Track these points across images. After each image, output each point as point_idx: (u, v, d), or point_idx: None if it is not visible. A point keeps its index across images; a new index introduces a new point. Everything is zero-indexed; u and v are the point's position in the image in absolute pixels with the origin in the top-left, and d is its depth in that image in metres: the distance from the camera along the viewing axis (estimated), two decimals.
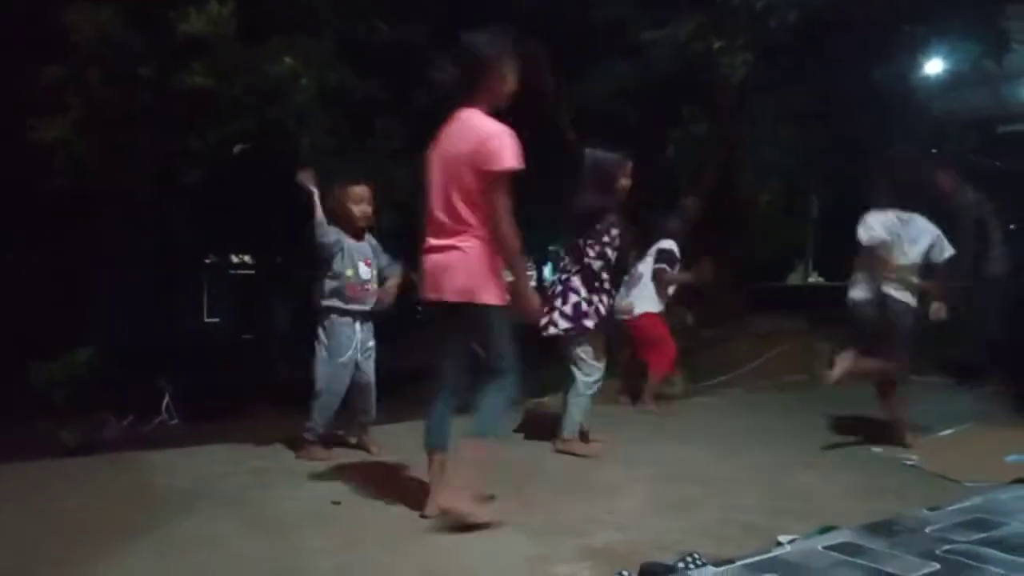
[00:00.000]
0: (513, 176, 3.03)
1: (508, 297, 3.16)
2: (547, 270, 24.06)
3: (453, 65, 3.26)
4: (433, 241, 3.19)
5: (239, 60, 5.80)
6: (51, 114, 5.92)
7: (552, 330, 4.46)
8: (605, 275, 4.45)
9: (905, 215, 4.52)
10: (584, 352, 4.47)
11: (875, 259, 4.46)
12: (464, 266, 3.10)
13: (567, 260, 4.59)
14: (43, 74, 5.88)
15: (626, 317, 5.74)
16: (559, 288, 4.54)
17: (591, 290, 4.42)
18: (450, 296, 3.12)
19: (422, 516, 3.21)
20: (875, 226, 4.49)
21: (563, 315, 4.43)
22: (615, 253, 4.47)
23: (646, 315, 5.77)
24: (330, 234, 4.22)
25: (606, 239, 4.43)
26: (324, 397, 4.25)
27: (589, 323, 4.39)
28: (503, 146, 3.03)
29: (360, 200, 4.32)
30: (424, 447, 3.28)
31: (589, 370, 4.49)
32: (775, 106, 7.86)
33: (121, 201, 7.41)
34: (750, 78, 6.72)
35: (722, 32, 6.53)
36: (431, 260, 3.20)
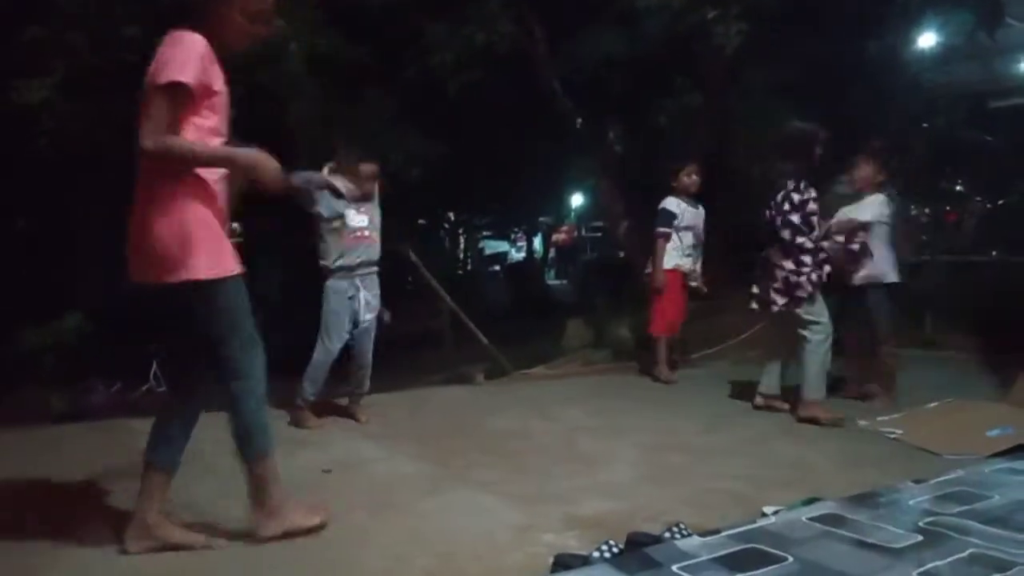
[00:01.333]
0: (178, 93, 2.33)
1: (227, 261, 2.49)
2: (537, 241, 24.08)
3: None
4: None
5: None
6: (35, 76, 5.82)
7: (773, 308, 4.51)
8: (800, 240, 4.44)
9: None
10: (808, 314, 4.47)
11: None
12: (143, 236, 2.44)
13: (764, 234, 4.64)
14: (25, 35, 5.77)
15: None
16: (763, 264, 4.59)
17: (796, 262, 4.43)
18: (138, 277, 2.50)
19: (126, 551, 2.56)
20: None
21: (776, 291, 4.49)
22: (802, 217, 4.44)
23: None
24: (333, 204, 4.24)
25: (787, 207, 4.47)
26: (318, 361, 4.28)
27: (803, 293, 4.43)
28: (168, 56, 2.35)
29: (370, 177, 4.36)
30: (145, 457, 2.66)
31: (816, 329, 4.49)
32: (767, 78, 7.82)
33: (108, 166, 7.32)
34: (743, 49, 6.68)
35: (716, 1, 6.47)
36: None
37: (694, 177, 5.76)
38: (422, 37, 6.80)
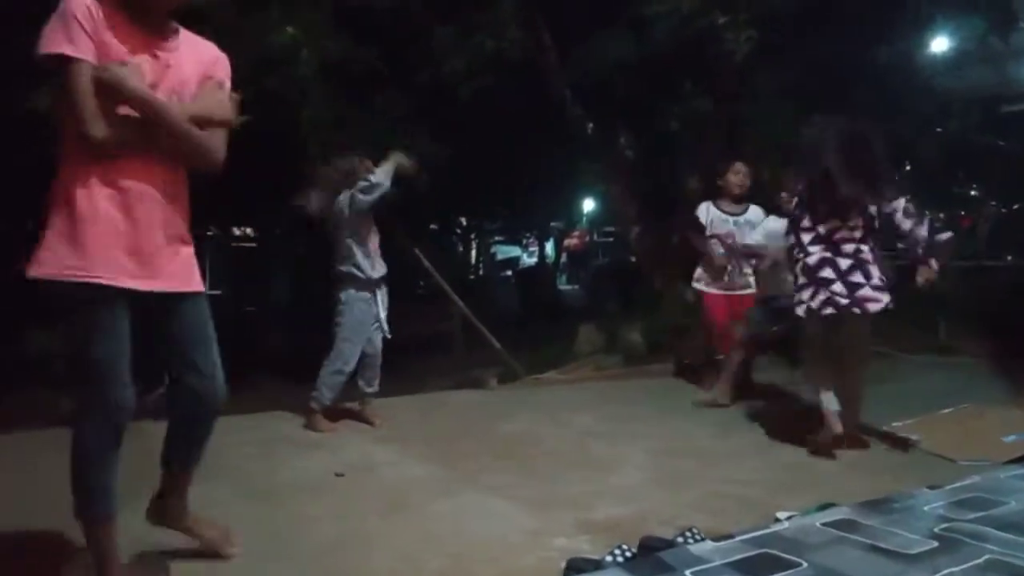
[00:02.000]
0: (57, 64, 2.03)
1: (71, 260, 2.06)
2: (549, 246, 24.06)
3: None
4: None
5: (238, 29, 5.74)
6: (47, 83, 5.86)
7: (877, 307, 3.99)
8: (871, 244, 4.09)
9: None
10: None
11: None
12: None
13: (838, 237, 4.05)
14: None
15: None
16: (851, 264, 4.00)
17: (879, 262, 4.09)
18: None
19: None
20: None
21: (879, 289, 4.00)
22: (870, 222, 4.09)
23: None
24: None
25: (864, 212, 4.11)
26: (338, 370, 4.28)
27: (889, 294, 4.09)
28: (48, 27, 2.07)
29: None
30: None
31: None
32: (777, 82, 7.80)
33: None
34: (752, 54, 6.67)
35: (726, 7, 6.46)
36: None
37: (739, 176, 5.33)
38: (431, 40, 6.82)
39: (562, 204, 18.81)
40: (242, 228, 16.20)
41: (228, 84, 2.39)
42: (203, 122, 2.22)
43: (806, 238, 4.07)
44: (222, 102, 2.30)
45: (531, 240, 24.90)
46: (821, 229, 4.04)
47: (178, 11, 2.24)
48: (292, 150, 6.16)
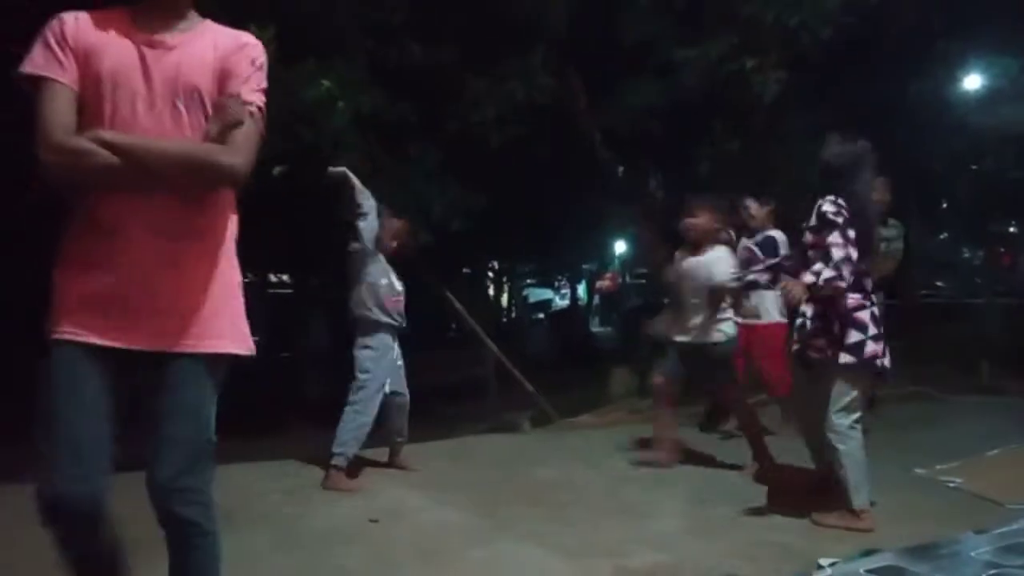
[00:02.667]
0: (31, 86, 1.80)
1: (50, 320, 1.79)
2: (581, 288, 24.08)
3: None
4: None
5: (278, 84, 5.91)
6: None
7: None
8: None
9: None
10: None
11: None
12: None
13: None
14: None
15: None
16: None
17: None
18: None
19: None
20: None
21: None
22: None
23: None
24: (371, 197, 4.30)
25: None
26: (364, 423, 4.19)
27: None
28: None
29: (400, 234, 4.50)
30: None
31: None
32: (807, 122, 7.83)
33: None
34: (782, 95, 6.71)
35: (754, 50, 6.53)
36: None
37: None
38: (464, 92, 6.96)
39: (594, 246, 18.88)
40: (278, 275, 16.45)
41: (255, 77, 2.02)
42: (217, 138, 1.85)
43: (847, 271, 3.40)
44: (234, 112, 1.90)
45: (563, 283, 24.94)
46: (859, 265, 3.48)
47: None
48: (327, 200, 6.29)
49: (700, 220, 4.54)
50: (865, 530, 3.28)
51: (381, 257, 4.35)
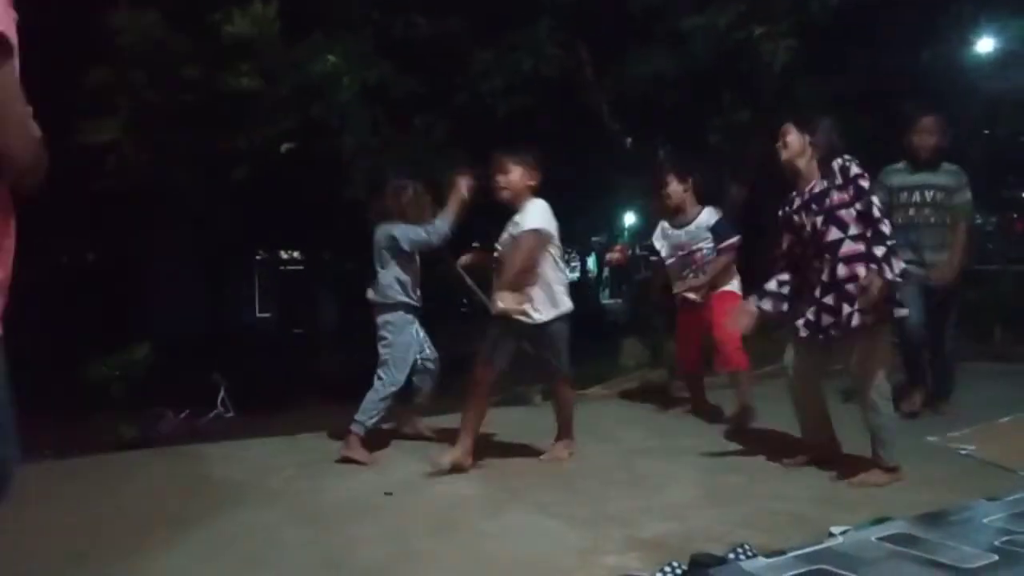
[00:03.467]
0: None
1: None
2: (591, 261, 24.01)
3: None
4: None
5: (283, 60, 5.88)
6: (100, 116, 6.06)
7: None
8: None
9: None
10: None
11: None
12: None
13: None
14: (90, 76, 6.02)
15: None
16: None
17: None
18: None
19: None
20: None
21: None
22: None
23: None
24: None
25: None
26: (388, 395, 4.27)
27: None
28: None
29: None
30: None
31: None
32: (818, 91, 7.74)
33: (172, 200, 7.58)
34: (792, 64, 6.62)
35: (764, 18, 6.43)
36: None
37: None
38: (470, 64, 6.91)
39: (603, 219, 18.79)
40: (289, 251, 16.52)
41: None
42: None
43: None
44: None
45: (572, 255, 24.88)
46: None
47: None
48: (336, 175, 6.28)
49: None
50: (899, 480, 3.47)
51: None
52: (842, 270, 3.46)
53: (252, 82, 5.74)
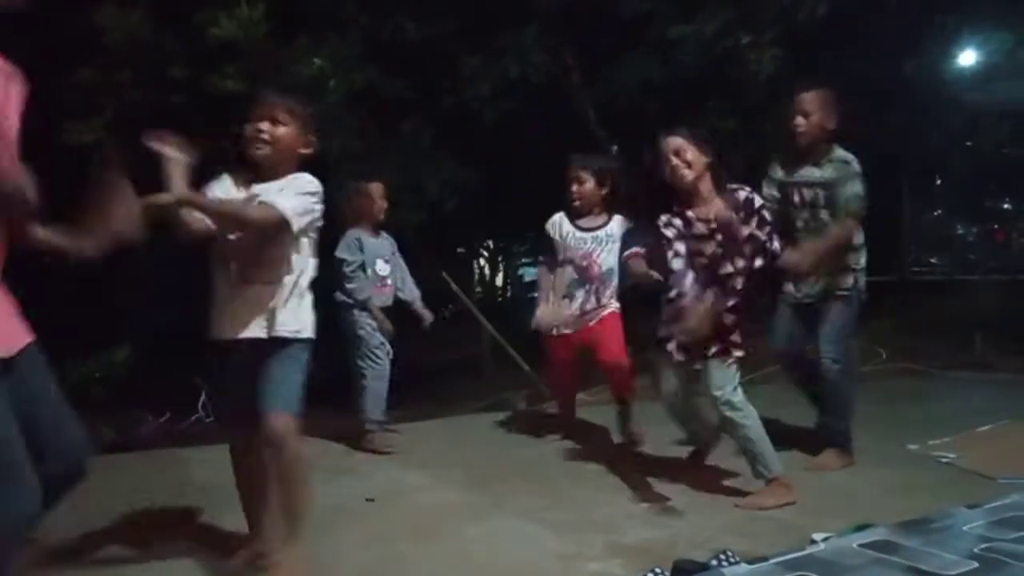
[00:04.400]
0: None
1: None
2: None
3: None
4: None
5: (269, 62, 5.86)
6: (85, 117, 6.02)
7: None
8: None
9: None
10: None
11: None
12: None
13: None
14: (76, 76, 5.97)
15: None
16: None
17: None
18: None
19: None
20: None
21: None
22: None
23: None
24: (355, 252, 4.41)
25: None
26: (378, 376, 4.35)
27: None
28: None
29: (378, 197, 4.52)
30: None
31: None
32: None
33: None
34: (778, 73, 6.67)
35: (750, 27, 6.48)
36: None
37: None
38: (458, 69, 6.91)
39: None
40: None
41: None
42: None
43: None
44: None
45: None
46: None
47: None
48: (321, 178, 6.26)
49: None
50: (791, 502, 3.29)
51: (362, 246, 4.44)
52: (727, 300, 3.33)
53: (237, 84, 5.72)
